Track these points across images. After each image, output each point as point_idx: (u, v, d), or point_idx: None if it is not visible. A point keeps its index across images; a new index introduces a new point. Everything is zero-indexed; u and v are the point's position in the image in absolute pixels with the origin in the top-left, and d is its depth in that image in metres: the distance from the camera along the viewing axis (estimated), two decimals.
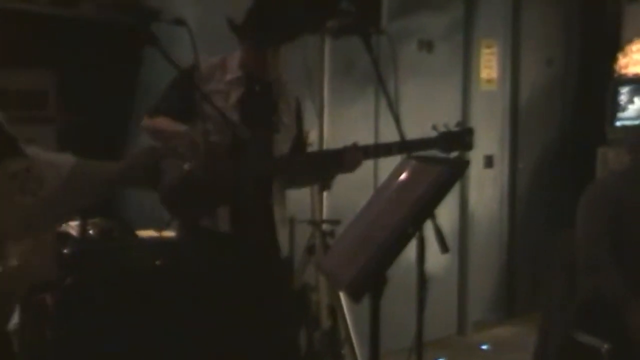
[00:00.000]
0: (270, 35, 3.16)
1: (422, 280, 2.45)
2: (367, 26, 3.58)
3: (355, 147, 3.23)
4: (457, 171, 2.49)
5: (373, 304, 2.29)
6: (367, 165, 3.69)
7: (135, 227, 3.92)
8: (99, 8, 4.06)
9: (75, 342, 3.43)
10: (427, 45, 5.45)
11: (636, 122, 5.53)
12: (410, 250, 2.34)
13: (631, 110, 5.71)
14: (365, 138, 4.09)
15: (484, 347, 5.52)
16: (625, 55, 5.80)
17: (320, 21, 4.07)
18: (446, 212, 5.40)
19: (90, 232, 3.69)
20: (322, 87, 4.40)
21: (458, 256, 5.76)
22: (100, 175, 2.30)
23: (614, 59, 5.84)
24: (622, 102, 5.75)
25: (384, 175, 2.81)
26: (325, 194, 4.22)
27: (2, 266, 2.08)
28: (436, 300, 3.26)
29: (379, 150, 3.33)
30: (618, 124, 5.72)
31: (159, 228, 3.74)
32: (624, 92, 5.75)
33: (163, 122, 3.11)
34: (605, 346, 3.17)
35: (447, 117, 3.52)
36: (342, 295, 3.94)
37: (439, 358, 5.12)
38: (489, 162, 5.98)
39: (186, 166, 2.92)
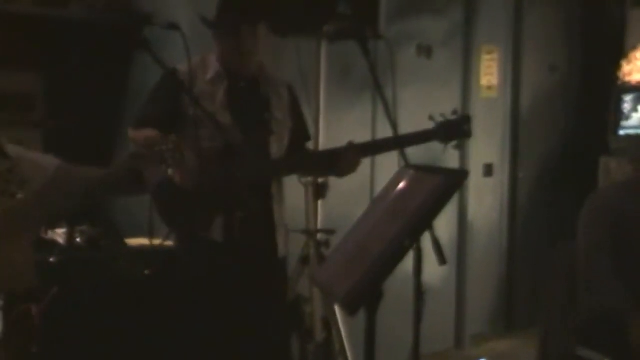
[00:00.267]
0: (240, 16, 3.12)
1: (419, 292, 2.41)
2: (364, 30, 3.54)
3: (352, 146, 3.20)
4: (456, 181, 2.49)
5: (369, 317, 2.26)
6: (364, 173, 3.67)
7: (124, 235, 3.87)
8: (89, 9, 4.01)
9: (62, 355, 3.37)
10: (426, 51, 5.40)
11: (639, 131, 5.50)
12: (407, 262, 2.32)
13: (635, 118, 5.64)
14: None
15: None
16: (629, 62, 5.74)
17: (317, 24, 4.03)
18: (444, 222, 5.36)
19: (78, 240, 3.65)
20: (318, 92, 4.34)
21: (456, 268, 5.70)
22: (83, 179, 2.32)
23: (617, 66, 5.79)
24: (625, 111, 5.69)
25: (380, 184, 2.81)
26: (320, 202, 4.17)
27: None
28: (433, 313, 3.22)
29: (377, 146, 3.34)
30: (621, 132, 5.66)
31: (155, 239, 3.72)
32: (628, 100, 5.68)
33: (149, 134, 3.03)
34: None
35: None
36: (336, 307, 3.89)
37: None
38: (488, 171, 5.92)
39: (170, 171, 2.85)
